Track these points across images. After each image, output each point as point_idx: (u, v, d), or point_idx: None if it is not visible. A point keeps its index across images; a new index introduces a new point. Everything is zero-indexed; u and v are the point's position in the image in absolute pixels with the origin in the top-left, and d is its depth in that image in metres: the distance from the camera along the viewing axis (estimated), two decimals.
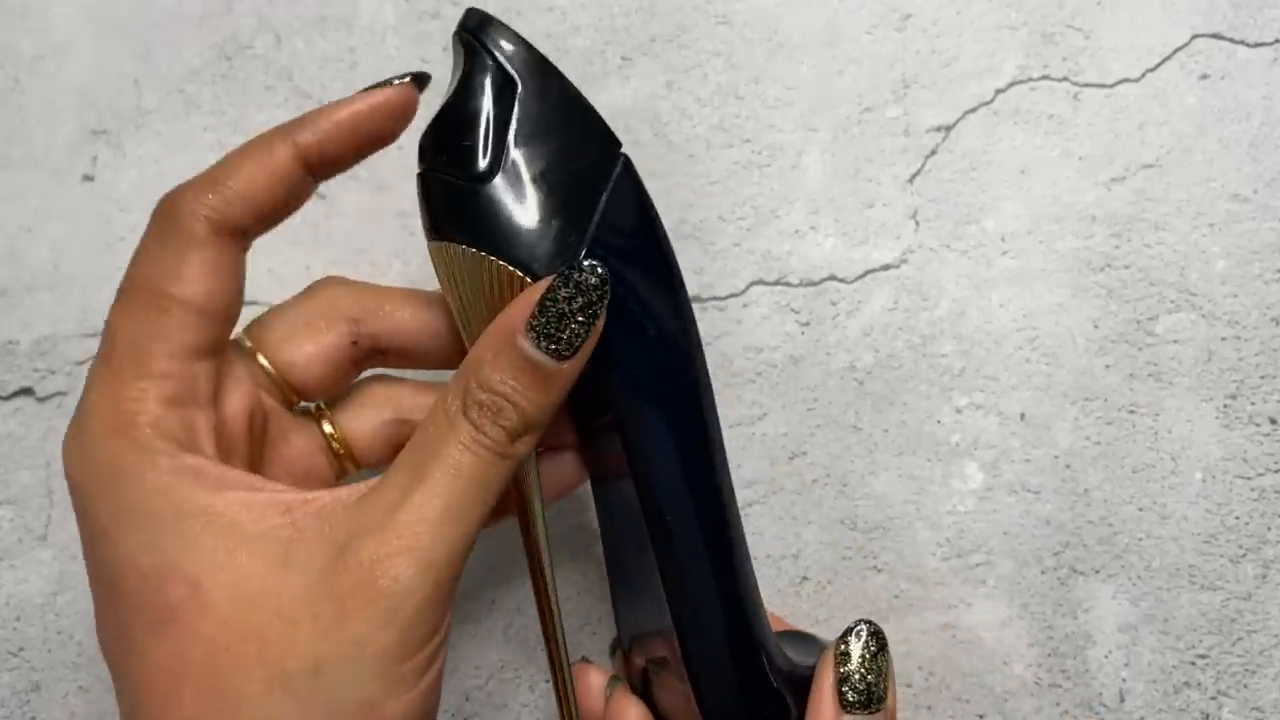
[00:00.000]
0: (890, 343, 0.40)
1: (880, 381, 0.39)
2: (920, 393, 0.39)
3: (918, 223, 0.40)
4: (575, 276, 0.26)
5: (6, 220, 0.41)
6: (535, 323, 0.25)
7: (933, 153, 0.40)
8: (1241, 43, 0.40)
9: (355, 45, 0.42)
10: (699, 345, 0.30)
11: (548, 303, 0.25)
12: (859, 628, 0.29)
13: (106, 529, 0.25)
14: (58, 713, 0.38)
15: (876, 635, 0.29)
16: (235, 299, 0.28)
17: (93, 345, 0.40)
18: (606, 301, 0.26)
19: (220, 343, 0.28)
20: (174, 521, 0.24)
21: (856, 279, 0.40)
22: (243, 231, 0.28)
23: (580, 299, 0.26)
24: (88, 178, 0.41)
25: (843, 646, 0.29)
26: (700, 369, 0.30)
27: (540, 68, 0.29)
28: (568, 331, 0.25)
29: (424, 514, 0.24)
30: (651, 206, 0.30)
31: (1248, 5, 0.40)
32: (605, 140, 0.29)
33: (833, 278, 0.40)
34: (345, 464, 0.31)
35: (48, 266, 0.40)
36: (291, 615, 0.24)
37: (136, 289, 0.27)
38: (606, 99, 0.41)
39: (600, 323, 0.26)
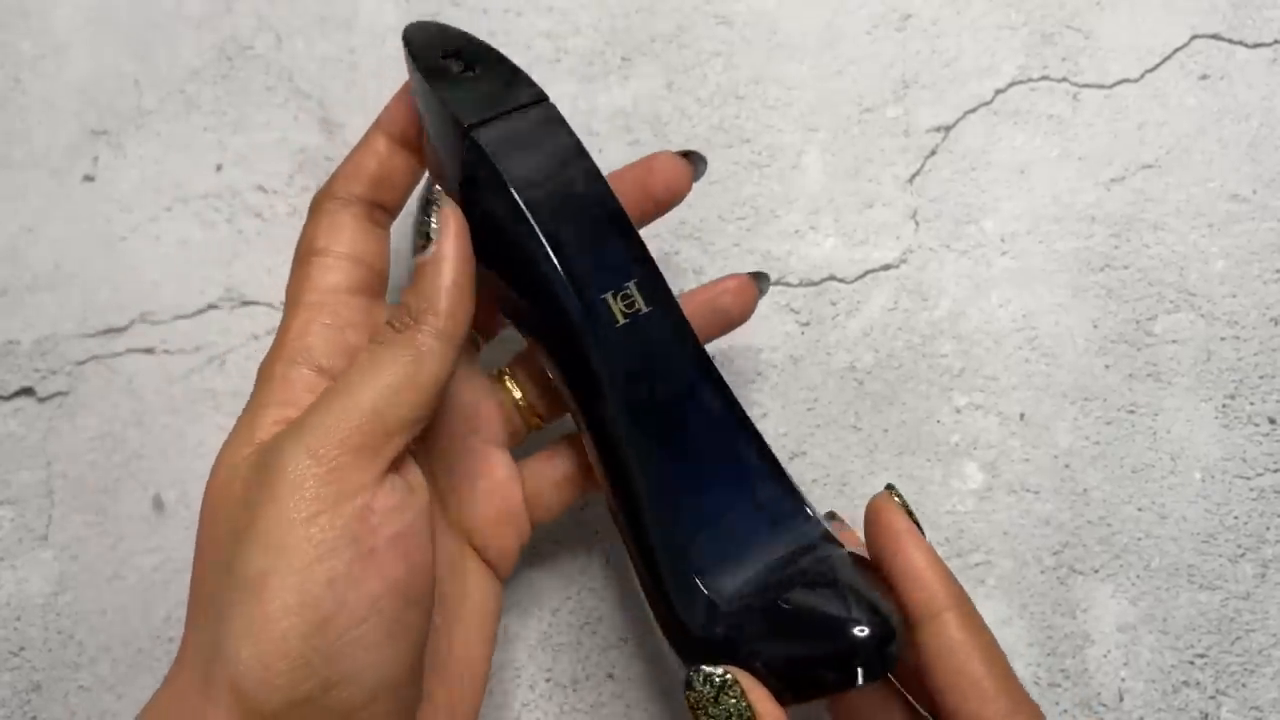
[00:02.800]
0: (890, 343, 0.40)
1: (880, 381, 0.40)
2: (920, 393, 0.39)
3: (917, 223, 0.40)
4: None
5: (7, 220, 0.41)
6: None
7: (932, 153, 0.40)
8: (1241, 43, 0.40)
9: (355, 45, 0.42)
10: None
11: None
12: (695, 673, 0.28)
13: None
14: (58, 712, 0.39)
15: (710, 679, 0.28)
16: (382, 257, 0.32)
17: (93, 345, 0.40)
18: (437, 200, 0.29)
19: (371, 285, 0.32)
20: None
21: (856, 279, 0.40)
22: (384, 208, 0.33)
23: (420, 200, 0.30)
24: (88, 178, 0.41)
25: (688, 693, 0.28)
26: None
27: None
28: (419, 230, 0.29)
29: (313, 406, 0.27)
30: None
31: (1247, 6, 0.40)
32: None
33: (832, 278, 0.40)
34: (530, 418, 0.35)
35: (48, 266, 0.40)
36: (233, 506, 0.27)
37: (303, 254, 0.32)
38: (606, 99, 0.41)
39: (445, 210, 0.29)
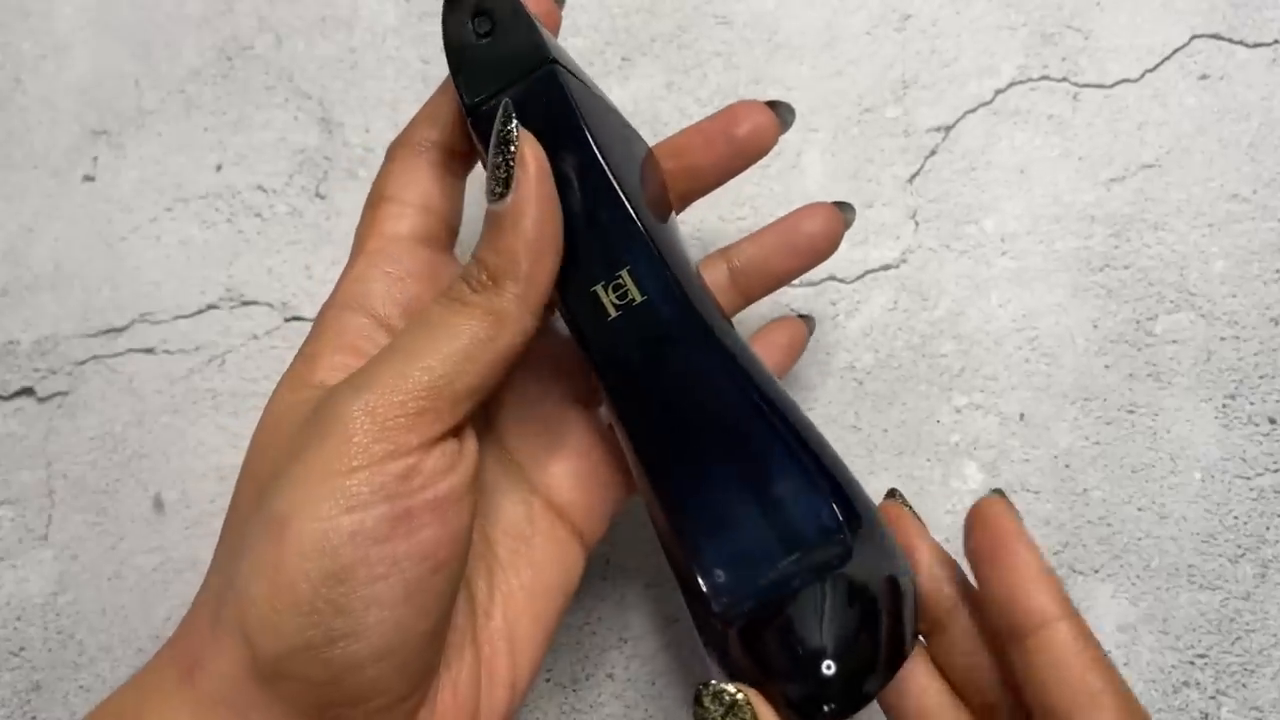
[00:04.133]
0: (890, 343, 0.40)
1: (880, 381, 0.40)
2: (920, 393, 0.39)
3: (917, 223, 0.40)
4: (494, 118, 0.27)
5: (7, 220, 0.41)
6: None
7: (932, 153, 0.40)
8: (1240, 43, 0.40)
9: (355, 45, 0.42)
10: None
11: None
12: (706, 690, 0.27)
13: None
14: (58, 713, 0.39)
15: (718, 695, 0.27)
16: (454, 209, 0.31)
17: (93, 345, 0.40)
18: (513, 131, 0.27)
19: (438, 236, 0.30)
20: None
21: (856, 279, 0.40)
22: (461, 156, 0.31)
23: (495, 137, 0.27)
24: (88, 178, 0.41)
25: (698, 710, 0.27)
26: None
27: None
28: (494, 172, 0.27)
29: (376, 359, 0.26)
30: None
31: (1247, 6, 0.40)
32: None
33: (832, 278, 0.40)
34: None
35: (48, 266, 0.41)
36: (282, 445, 0.26)
37: (373, 200, 0.30)
38: None
39: (525, 151, 0.26)
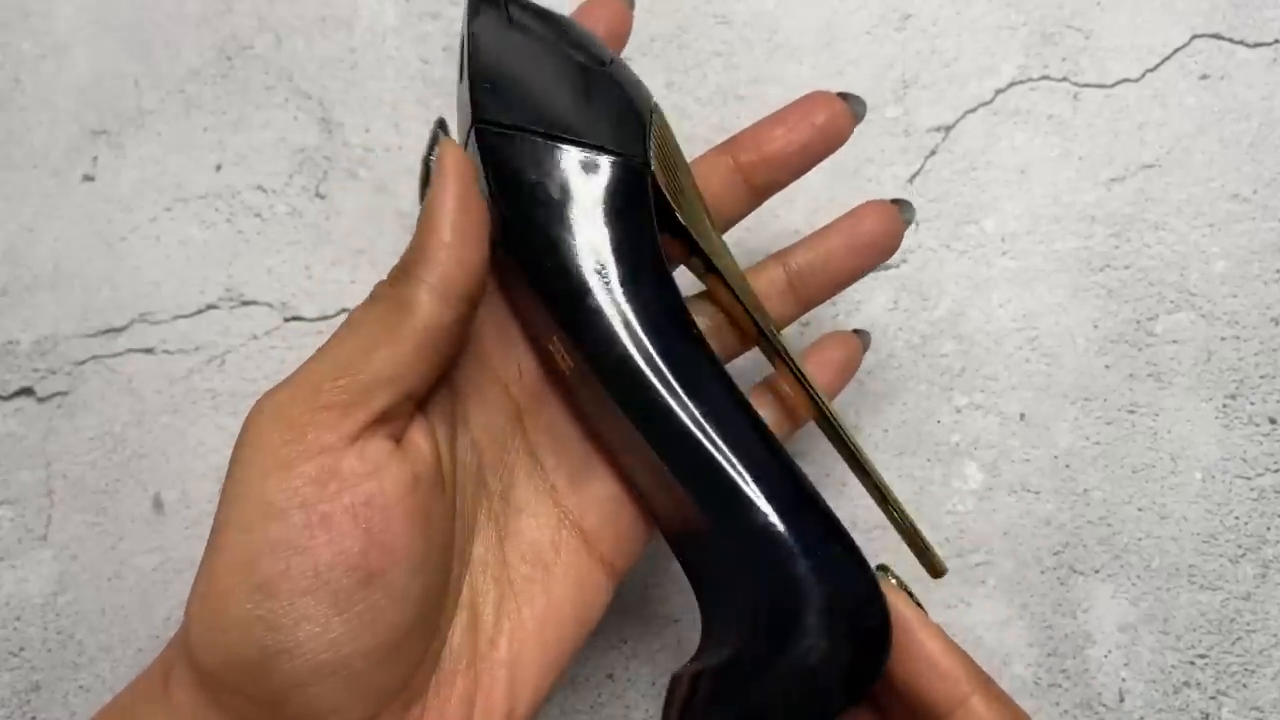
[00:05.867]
0: (890, 343, 0.40)
1: (880, 381, 0.39)
2: (920, 393, 0.39)
3: (917, 223, 0.40)
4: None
5: (7, 220, 0.41)
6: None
7: (932, 153, 0.40)
8: (1241, 43, 0.40)
9: (355, 45, 0.42)
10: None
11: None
12: None
13: None
14: (58, 713, 0.38)
15: None
16: None
17: (93, 345, 0.40)
18: (435, 141, 0.26)
19: None
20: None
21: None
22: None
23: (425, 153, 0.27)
24: (88, 178, 0.41)
25: None
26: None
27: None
28: (421, 183, 0.27)
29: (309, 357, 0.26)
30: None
31: (1247, 6, 0.40)
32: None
33: None
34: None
35: (48, 266, 0.40)
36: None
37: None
38: None
39: (442, 153, 0.26)
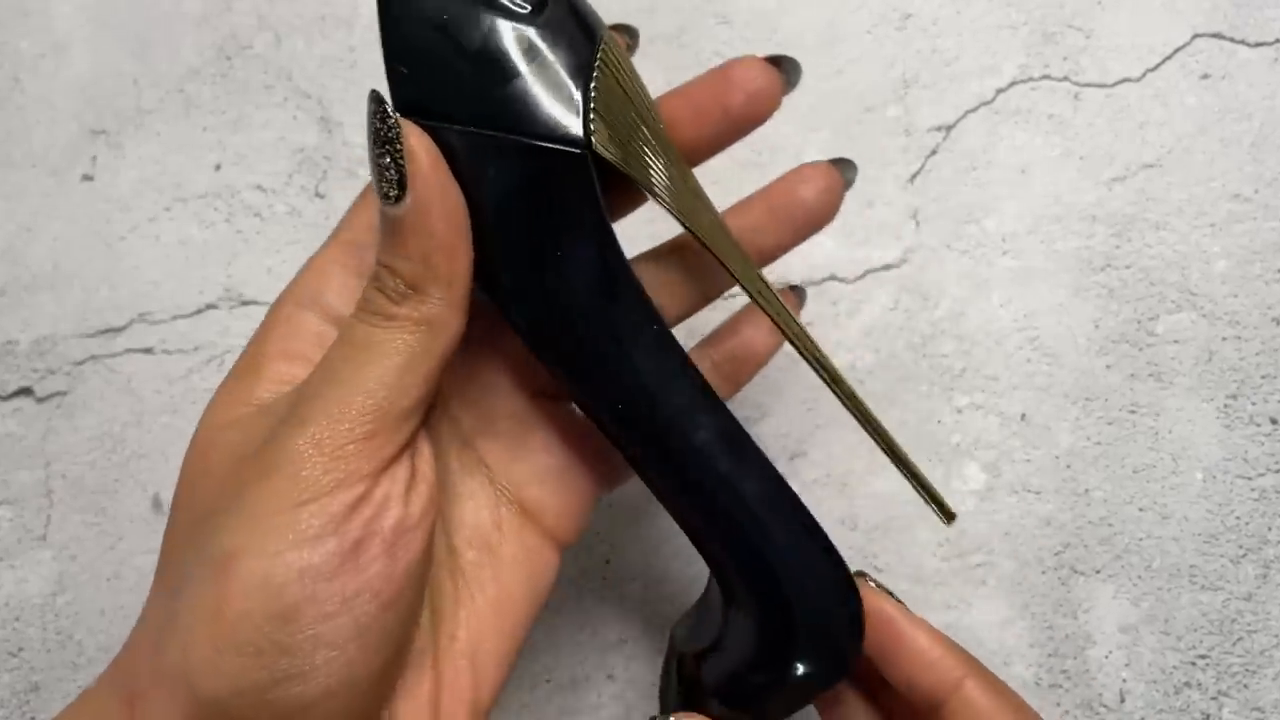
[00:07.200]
0: (891, 343, 0.39)
1: (880, 381, 0.39)
2: (921, 393, 0.39)
3: (918, 222, 0.40)
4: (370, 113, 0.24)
5: (6, 220, 0.41)
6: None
7: (933, 152, 0.40)
8: (1242, 43, 0.40)
9: (355, 45, 0.41)
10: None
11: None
12: None
13: None
14: (56, 713, 0.38)
15: None
16: None
17: (92, 345, 0.40)
18: (392, 126, 0.23)
19: None
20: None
21: (857, 279, 0.40)
22: None
23: (370, 135, 0.24)
24: (87, 177, 0.41)
25: None
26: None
27: None
28: (381, 173, 0.24)
29: (313, 386, 0.25)
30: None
31: (1248, 5, 0.40)
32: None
33: (833, 278, 0.40)
34: None
35: (47, 266, 0.40)
36: (217, 477, 0.25)
37: (364, 194, 0.28)
38: None
39: (412, 145, 0.24)
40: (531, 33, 0.24)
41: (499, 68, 0.24)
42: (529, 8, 0.25)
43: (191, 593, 0.23)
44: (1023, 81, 0.40)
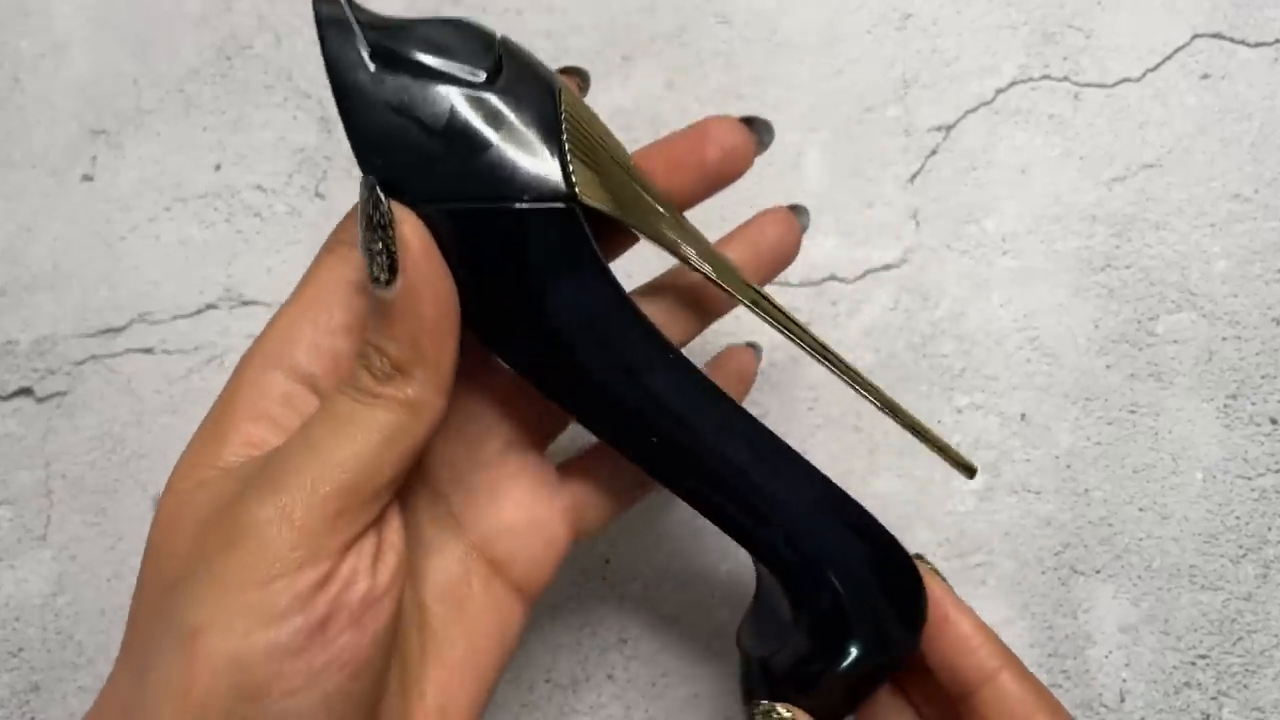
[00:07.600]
0: (890, 343, 0.39)
1: (880, 381, 0.39)
2: (920, 393, 0.39)
3: (918, 222, 0.40)
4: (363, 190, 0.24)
5: (5, 220, 0.41)
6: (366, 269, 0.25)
7: (933, 152, 0.40)
8: (1242, 43, 0.40)
9: None
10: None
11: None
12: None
13: None
14: (57, 713, 0.38)
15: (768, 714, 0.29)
16: None
17: (92, 345, 0.40)
18: (385, 212, 0.24)
19: None
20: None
21: (857, 279, 0.40)
22: None
23: (363, 220, 0.24)
24: (87, 178, 0.41)
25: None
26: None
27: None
28: (373, 256, 0.24)
29: (286, 454, 0.24)
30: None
31: (1248, 5, 0.40)
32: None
33: (833, 278, 0.40)
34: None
35: (46, 266, 0.40)
36: (184, 542, 0.25)
37: (327, 245, 0.28)
38: (607, 99, 0.41)
39: (405, 232, 0.24)
40: (493, 99, 0.25)
41: (469, 140, 0.24)
42: (484, 75, 0.25)
43: (159, 670, 0.23)
44: (1023, 81, 0.40)
